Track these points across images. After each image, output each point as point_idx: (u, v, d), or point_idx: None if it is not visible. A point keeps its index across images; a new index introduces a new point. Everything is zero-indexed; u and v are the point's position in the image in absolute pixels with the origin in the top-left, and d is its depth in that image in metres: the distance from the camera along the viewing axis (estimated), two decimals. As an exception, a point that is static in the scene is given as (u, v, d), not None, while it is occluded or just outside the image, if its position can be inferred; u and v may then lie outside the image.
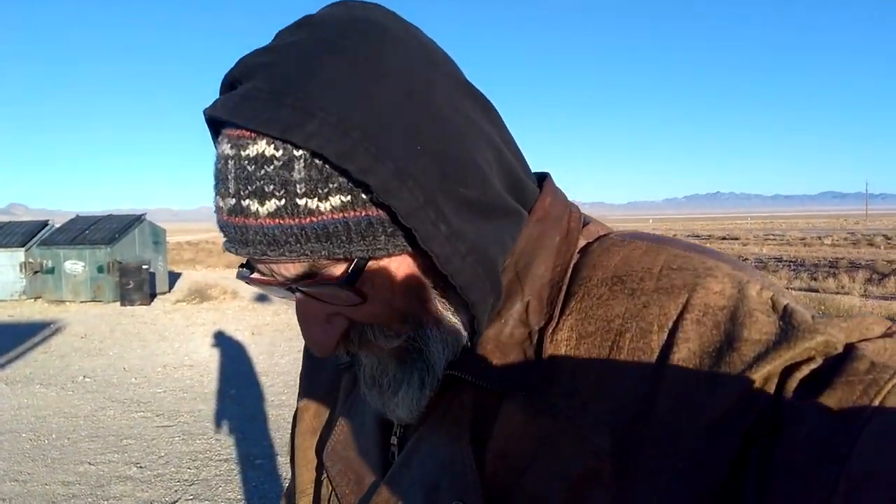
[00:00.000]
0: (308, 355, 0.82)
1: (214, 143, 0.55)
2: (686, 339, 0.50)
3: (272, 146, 0.49)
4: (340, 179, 0.49)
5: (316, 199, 0.49)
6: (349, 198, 0.49)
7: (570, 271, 0.59)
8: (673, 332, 0.51)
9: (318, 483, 0.74)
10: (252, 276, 0.56)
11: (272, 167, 0.49)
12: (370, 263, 0.52)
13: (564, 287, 0.58)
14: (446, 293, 0.56)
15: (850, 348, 0.46)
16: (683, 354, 0.49)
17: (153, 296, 14.58)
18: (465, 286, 0.52)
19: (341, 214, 0.50)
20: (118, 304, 13.85)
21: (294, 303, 0.57)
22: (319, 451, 0.74)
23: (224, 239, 0.54)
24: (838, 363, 0.45)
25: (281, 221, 0.49)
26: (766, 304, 0.50)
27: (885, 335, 0.47)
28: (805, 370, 0.46)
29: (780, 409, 0.45)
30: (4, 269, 15.42)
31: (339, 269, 0.52)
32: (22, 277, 15.42)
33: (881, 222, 68.19)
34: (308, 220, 0.49)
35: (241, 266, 0.59)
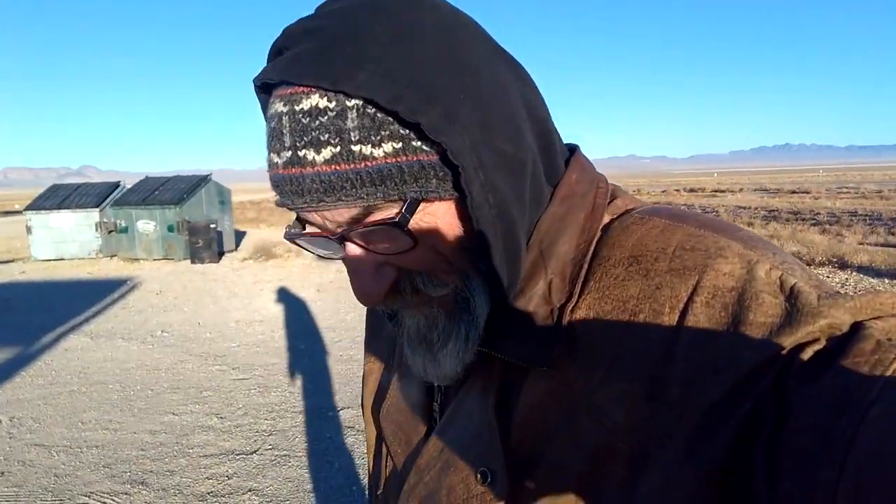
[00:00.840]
0: (369, 320, 0.87)
1: (264, 111, 0.58)
2: (695, 321, 0.51)
3: (325, 98, 0.52)
4: (392, 126, 0.52)
5: (370, 145, 0.51)
6: (401, 144, 0.52)
7: (591, 250, 0.60)
8: (683, 314, 0.52)
9: (378, 441, 0.79)
10: (302, 232, 0.59)
11: (326, 118, 0.52)
12: (420, 206, 0.54)
13: (586, 265, 0.59)
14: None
15: (856, 327, 0.46)
16: (692, 336, 0.51)
17: (221, 254, 15.05)
18: (490, 243, 0.55)
19: (394, 159, 0.52)
20: (188, 261, 14.36)
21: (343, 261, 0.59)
22: (377, 413, 0.78)
23: (278, 196, 0.57)
24: (843, 343, 0.45)
25: (337, 167, 0.52)
26: (773, 284, 0.51)
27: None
28: (809, 352, 0.46)
29: (785, 391, 0.45)
30: (81, 229, 16.14)
31: (390, 213, 0.54)
32: (98, 237, 16.13)
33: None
34: (363, 164, 0.52)
35: (289, 227, 0.61)
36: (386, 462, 0.77)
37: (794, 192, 34.68)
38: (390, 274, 0.58)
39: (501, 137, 0.55)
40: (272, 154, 0.55)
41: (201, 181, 15.82)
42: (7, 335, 8.19)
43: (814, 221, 18.77)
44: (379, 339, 0.84)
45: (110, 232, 15.94)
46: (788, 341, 0.47)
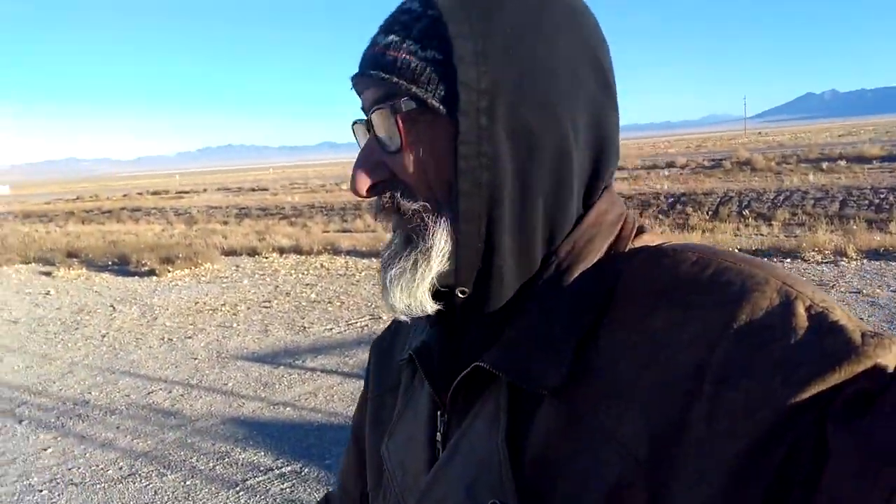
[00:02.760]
0: (375, 351, 0.87)
1: None
2: (727, 356, 0.48)
3: (416, 3, 0.61)
4: (440, 44, 0.58)
5: (419, 46, 0.59)
6: (442, 56, 0.58)
7: (614, 278, 0.59)
8: (713, 349, 0.49)
9: (380, 471, 0.76)
10: (359, 118, 0.66)
11: (407, 16, 0.61)
12: (422, 117, 0.59)
13: (604, 292, 0.58)
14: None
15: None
16: (725, 373, 0.48)
17: None
18: (462, 185, 0.57)
19: (427, 63, 0.58)
20: None
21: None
22: (380, 441, 0.75)
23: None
24: (886, 387, 0.43)
25: (388, 52, 0.60)
26: (813, 321, 0.48)
27: None
28: (851, 393, 0.44)
29: (824, 434, 0.43)
30: None
31: (390, 114, 0.60)
32: None
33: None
34: (404, 55, 0.59)
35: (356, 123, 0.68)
36: (385, 493, 0.74)
37: (254, 189, 37.61)
38: (382, 174, 0.62)
39: (531, 111, 0.58)
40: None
41: None
42: None
43: (282, 216, 21.06)
44: (385, 367, 0.83)
45: None
46: (830, 381, 0.44)
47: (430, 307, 0.62)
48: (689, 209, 14.03)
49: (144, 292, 10.23)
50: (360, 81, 0.63)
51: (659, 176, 21.87)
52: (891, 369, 0.46)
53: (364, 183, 0.62)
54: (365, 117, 0.63)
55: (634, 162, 28.47)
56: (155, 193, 40.33)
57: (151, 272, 11.53)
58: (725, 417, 0.47)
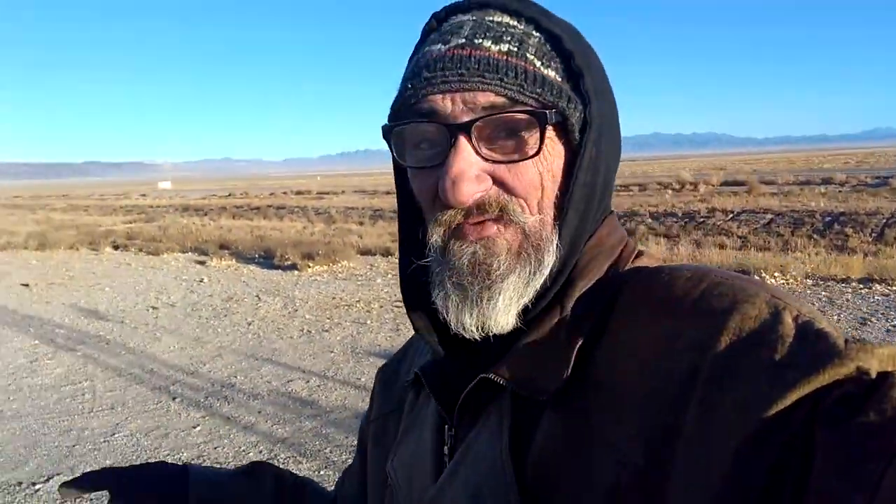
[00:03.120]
0: (381, 376, 0.90)
1: (424, 42, 0.64)
2: (718, 362, 0.50)
3: (515, 20, 0.62)
4: (558, 65, 0.61)
5: (540, 62, 0.60)
6: (560, 79, 0.60)
7: (612, 292, 0.61)
8: (705, 354, 0.51)
9: (383, 487, 0.78)
10: (415, 119, 0.61)
11: (514, 29, 0.61)
12: (549, 131, 0.59)
13: (604, 306, 0.60)
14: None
15: (884, 377, 0.46)
16: (715, 377, 0.49)
17: None
18: (570, 211, 0.61)
19: (556, 80, 0.60)
20: None
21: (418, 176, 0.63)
22: (383, 461, 0.78)
23: (422, 76, 0.60)
24: (872, 391, 0.45)
25: (508, 59, 0.58)
26: (799, 329, 0.50)
27: None
28: (836, 396, 0.45)
29: (812, 434, 0.44)
30: None
31: (525, 117, 0.59)
32: None
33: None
34: (531, 67, 0.59)
35: (402, 123, 0.62)
36: None
37: (388, 192, 38.81)
38: (486, 184, 0.59)
39: (610, 149, 0.65)
40: (434, 45, 0.61)
41: None
42: None
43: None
44: (390, 389, 0.85)
45: None
46: (816, 383, 0.46)
47: (513, 324, 0.61)
48: (848, 230, 12.80)
49: (287, 285, 10.75)
50: (465, 82, 0.58)
51: (814, 193, 20.30)
52: (874, 373, 0.47)
53: (472, 190, 0.58)
54: (438, 114, 0.60)
55: (786, 177, 26.61)
56: (298, 193, 42.75)
57: (293, 266, 12.12)
58: (716, 420, 0.48)
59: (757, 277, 0.58)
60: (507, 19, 0.61)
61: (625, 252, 0.68)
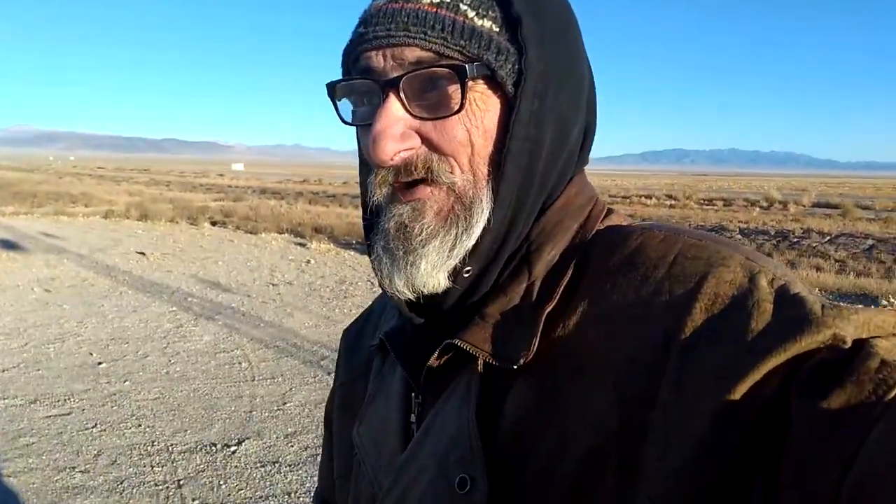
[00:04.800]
0: (345, 341, 0.87)
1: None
2: (694, 326, 0.50)
3: None
4: (496, 13, 0.58)
5: (474, 12, 0.57)
6: (497, 29, 0.57)
7: (582, 255, 0.60)
8: (680, 319, 0.51)
9: (350, 457, 0.76)
10: (348, 78, 0.61)
11: None
12: (480, 84, 0.57)
13: (570, 270, 0.59)
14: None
15: (860, 344, 0.46)
16: (691, 341, 0.49)
17: None
18: (508, 167, 0.57)
19: (490, 32, 0.57)
20: None
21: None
22: (350, 428, 0.76)
23: (360, 31, 0.59)
24: (848, 359, 0.45)
25: (439, 11, 0.56)
26: (776, 293, 0.50)
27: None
28: (813, 363, 0.45)
29: (789, 402, 0.45)
30: None
31: (445, 72, 0.56)
32: None
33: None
34: (461, 19, 0.56)
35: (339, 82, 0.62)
36: (356, 478, 0.74)
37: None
38: (413, 142, 0.58)
39: (567, 101, 0.61)
40: (373, 3, 0.60)
41: None
42: None
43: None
44: (355, 355, 0.83)
45: None
46: (792, 350, 0.46)
47: (445, 285, 0.60)
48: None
49: (394, 273, 10.83)
50: (392, 37, 0.56)
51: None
52: (849, 340, 0.46)
53: (393, 148, 0.57)
54: (373, 77, 0.58)
55: (884, 202, 25.44)
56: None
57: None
58: (692, 385, 0.48)
59: (732, 238, 0.54)
60: None
61: (594, 211, 0.66)
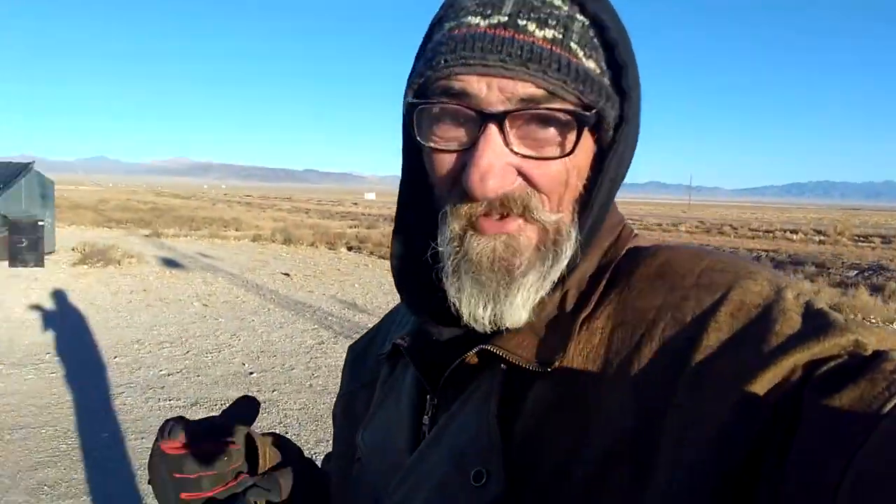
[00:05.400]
0: (351, 353, 0.88)
1: (454, 6, 0.59)
2: (718, 328, 0.52)
3: (559, 0, 0.57)
4: (600, 55, 0.58)
5: (583, 52, 0.56)
6: (599, 71, 0.57)
7: (612, 267, 0.63)
8: (705, 322, 0.52)
9: (350, 461, 0.76)
10: (442, 101, 0.57)
11: (558, 11, 0.56)
12: (585, 131, 0.57)
13: (605, 280, 0.61)
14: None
15: (880, 352, 0.47)
16: (713, 342, 0.51)
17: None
18: (596, 204, 0.60)
19: (600, 78, 0.57)
20: (6, 264, 12.07)
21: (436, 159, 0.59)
22: (353, 434, 0.76)
23: (457, 53, 0.55)
24: (866, 362, 0.46)
25: (554, 49, 0.54)
26: (801, 305, 0.52)
27: None
28: (831, 364, 0.47)
29: (802, 398, 0.46)
30: None
31: (564, 116, 0.56)
32: None
33: (703, 212, 75.73)
34: (574, 59, 0.55)
35: (424, 102, 0.58)
36: (354, 484, 0.74)
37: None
38: (513, 177, 0.56)
39: (633, 140, 0.62)
40: (471, 17, 0.56)
41: (21, 170, 13.47)
42: None
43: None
44: (362, 364, 0.84)
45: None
46: (814, 350, 0.48)
47: (525, 321, 0.59)
48: None
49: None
50: (507, 69, 0.54)
51: None
52: (871, 349, 0.48)
53: (498, 185, 0.55)
54: (471, 96, 0.55)
55: None
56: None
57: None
58: (711, 383, 0.49)
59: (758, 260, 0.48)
60: None
61: (623, 232, 0.68)
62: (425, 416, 0.67)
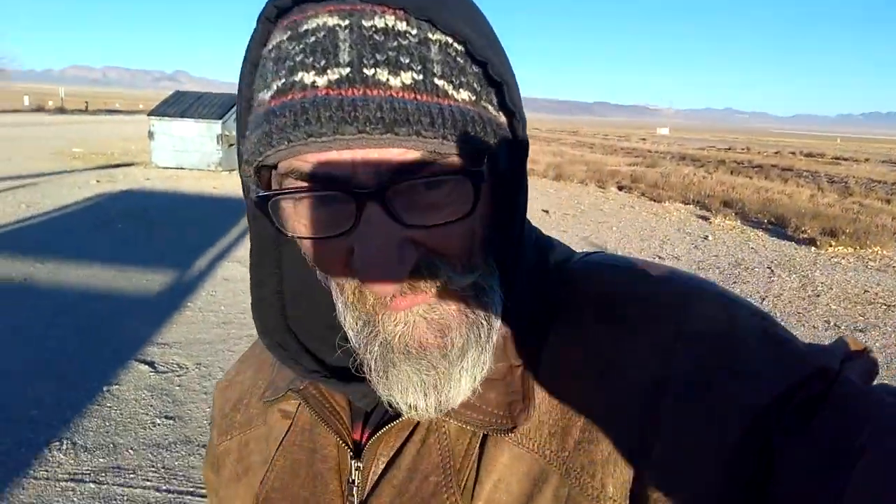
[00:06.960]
0: (222, 396, 0.74)
1: (260, 39, 0.49)
2: (681, 367, 0.49)
3: (404, 22, 0.46)
4: (470, 76, 0.48)
5: (451, 85, 0.46)
6: (474, 98, 0.48)
7: (547, 298, 0.57)
8: (667, 361, 0.50)
9: None
10: (302, 188, 0.46)
11: (407, 41, 0.45)
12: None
13: (543, 316, 0.56)
14: None
15: (836, 375, 0.47)
16: (681, 384, 0.49)
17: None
18: (508, 240, 0.52)
19: (473, 108, 0.47)
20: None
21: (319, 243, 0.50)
22: (242, 494, 0.66)
23: (297, 126, 0.43)
24: (826, 391, 0.46)
25: (418, 97, 0.45)
26: (757, 331, 0.51)
27: (858, 354, 0.51)
28: (796, 400, 0.46)
29: (773, 440, 0.45)
30: (203, 140, 16.00)
31: (455, 181, 0.47)
32: (218, 149, 15.96)
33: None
34: (446, 102, 0.46)
35: (258, 188, 0.51)
36: None
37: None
38: (411, 253, 0.47)
39: (526, 152, 0.53)
40: (306, 73, 0.44)
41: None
42: (161, 254, 8.00)
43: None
44: (240, 410, 0.70)
45: (231, 145, 15.73)
46: (781, 387, 0.47)
47: (468, 395, 0.53)
48: None
49: (804, 262, 9.47)
50: (370, 139, 0.43)
51: None
52: (833, 371, 0.48)
53: (400, 275, 0.47)
54: (335, 177, 0.46)
55: None
56: (808, 155, 38.32)
57: (811, 241, 10.67)
58: (689, 431, 0.47)
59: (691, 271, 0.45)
60: (391, 21, 0.45)
61: (540, 241, 0.62)
62: (353, 476, 0.59)
